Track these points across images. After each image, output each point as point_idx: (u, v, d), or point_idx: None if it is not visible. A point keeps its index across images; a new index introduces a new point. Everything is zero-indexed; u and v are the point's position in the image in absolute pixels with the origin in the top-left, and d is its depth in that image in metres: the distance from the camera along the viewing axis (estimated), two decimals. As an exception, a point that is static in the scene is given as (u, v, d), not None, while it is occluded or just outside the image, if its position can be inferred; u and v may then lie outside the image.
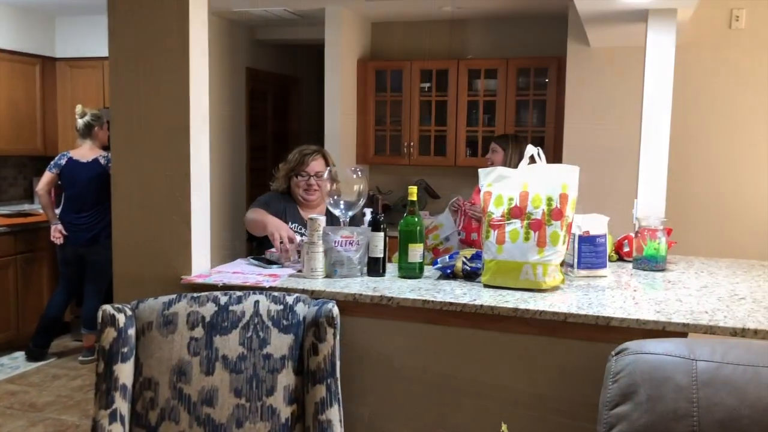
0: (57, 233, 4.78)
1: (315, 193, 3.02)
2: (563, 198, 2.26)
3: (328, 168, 2.91)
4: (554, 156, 4.79)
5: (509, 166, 3.44)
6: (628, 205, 3.42)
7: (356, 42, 5.38)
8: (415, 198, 2.48)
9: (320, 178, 2.99)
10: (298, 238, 2.70)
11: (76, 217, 4.77)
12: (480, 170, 2.45)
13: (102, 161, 4.75)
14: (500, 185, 2.36)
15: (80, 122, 4.81)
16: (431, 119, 5.29)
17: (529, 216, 2.27)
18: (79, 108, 4.86)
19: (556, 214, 2.25)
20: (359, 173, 2.59)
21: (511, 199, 2.31)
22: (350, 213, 2.56)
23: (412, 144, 5.30)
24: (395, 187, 5.54)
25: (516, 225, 2.28)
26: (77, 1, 5.13)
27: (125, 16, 2.46)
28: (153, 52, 2.43)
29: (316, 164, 3.02)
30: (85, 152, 4.80)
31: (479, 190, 3.61)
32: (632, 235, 2.88)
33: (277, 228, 2.70)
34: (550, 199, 2.26)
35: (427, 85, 5.28)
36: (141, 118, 2.47)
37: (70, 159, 4.78)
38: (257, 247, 3.01)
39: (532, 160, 2.40)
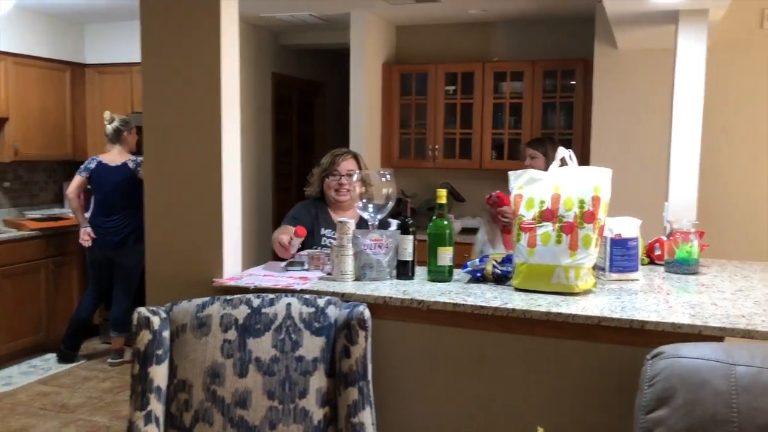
0: (86, 236, 4.85)
1: (346, 193, 3.02)
2: (595, 201, 2.25)
3: (359, 171, 2.92)
4: (582, 159, 4.74)
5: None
6: (657, 208, 3.38)
7: (381, 46, 5.39)
8: (444, 201, 2.48)
9: (351, 179, 3.00)
10: (285, 238, 2.68)
11: (104, 220, 4.84)
12: (510, 173, 2.44)
13: (131, 165, 4.81)
14: (531, 188, 2.35)
15: (109, 128, 4.88)
16: (456, 122, 5.28)
17: (561, 219, 2.26)
18: (107, 114, 4.93)
19: (588, 216, 2.24)
20: (388, 177, 2.59)
21: (542, 202, 2.30)
22: (379, 216, 2.57)
23: (436, 147, 5.30)
24: (420, 191, 5.54)
25: (548, 228, 2.27)
26: (106, 9, 5.21)
27: (157, 22, 2.49)
28: (184, 57, 2.46)
29: (346, 164, 3.03)
30: (114, 157, 4.87)
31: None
32: (663, 238, 2.85)
33: (275, 238, 2.73)
34: (582, 202, 2.25)
35: (452, 88, 5.27)
36: (172, 123, 2.51)
37: (100, 163, 4.85)
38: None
39: (563, 162, 2.38)
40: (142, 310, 2.02)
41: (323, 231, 2.99)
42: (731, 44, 4.22)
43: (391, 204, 2.58)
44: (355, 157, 3.09)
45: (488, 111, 5.15)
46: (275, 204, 6.01)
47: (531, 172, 2.39)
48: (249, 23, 5.47)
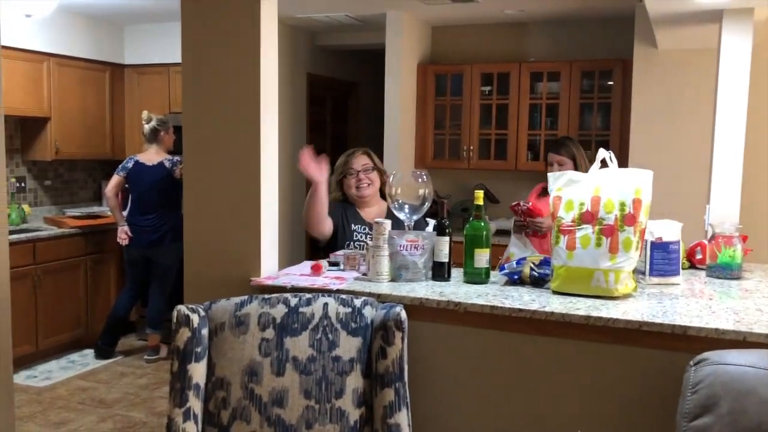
0: (123, 234, 4.93)
1: (367, 187, 3.04)
2: (636, 203, 2.21)
3: (368, 163, 3.00)
4: (619, 160, 4.67)
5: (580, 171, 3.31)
6: (697, 211, 3.32)
7: (416, 46, 5.38)
8: (481, 202, 2.46)
9: (368, 172, 3.03)
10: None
11: (141, 218, 4.92)
12: (549, 174, 2.41)
13: (167, 164, 4.88)
14: (570, 190, 2.32)
15: (147, 127, 4.96)
16: (491, 123, 5.24)
17: (601, 221, 2.22)
18: (145, 114, 5.01)
19: (629, 219, 2.20)
20: (424, 177, 2.58)
21: (582, 204, 2.27)
22: (415, 217, 2.56)
23: (471, 148, 5.27)
24: (454, 192, 5.51)
25: (587, 230, 2.23)
26: (145, 10, 5.29)
27: (198, 23, 2.52)
28: (224, 57, 2.49)
29: (359, 160, 3.08)
30: (151, 156, 4.94)
31: (537, 194, 3.54)
32: (705, 242, 2.79)
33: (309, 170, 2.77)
34: (623, 204, 2.21)
35: (488, 88, 5.24)
36: (212, 125, 2.53)
37: (137, 162, 4.93)
38: (324, 253, 3.04)
39: (603, 164, 2.35)
40: (182, 307, 2.04)
41: (353, 227, 3.01)
42: (776, 44, 4.12)
43: (427, 204, 2.57)
44: (367, 152, 3.12)
45: (524, 112, 5.11)
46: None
47: (570, 174, 2.36)
48: (285, 24, 5.50)
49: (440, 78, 5.38)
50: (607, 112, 4.91)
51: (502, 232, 5.04)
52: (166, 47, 5.73)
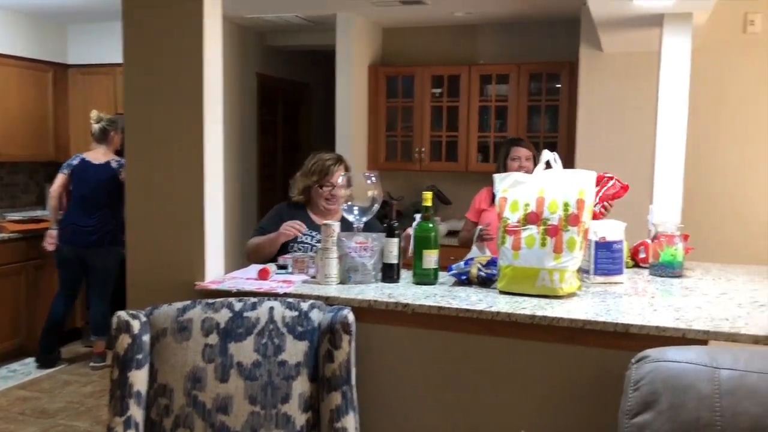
0: (50, 239, 4.77)
1: (337, 201, 3.00)
2: (580, 203, 2.24)
3: (344, 174, 2.91)
4: (567, 162, 4.75)
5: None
6: (642, 210, 3.39)
7: (367, 48, 5.38)
8: (430, 203, 2.46)
9: (343, 187, 2.98)
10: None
11: (82, 218, 4.76)
12: (495, 176, 2.43)
13: (114, 165, 4.76)
14: (516, 191, 2.34)
15: (96, 127, 4.83)
16: (442, 125, 5.27)
17: (546, 222, 2.25)
18: (94, 113, 4.88)
19: (572, 219, 2.23)
20: (373, 179, 2.58)
21: (527, 205, 2.29)
22: (364, 219, 2.55)
23: (423, 149, 5.29)
24: (406, 193, 5.52)
25: (532, 231, 2.26)
26: (89, 9, 5.15)
27: (139, 23, 2.47)
28: (167, 58, 2.44)
29: (340, 172, 3.01)
30: (99, 155, 4.81)
31: (489, 202, 3.58)
32: (648, 241, 2.85)
33: (285, 228, 2.81)
34: (566, 205, 2.24)
35: (439, 90, 5.27)
36: (154, 124, 2.48)
37: (83, 160, 4.81)
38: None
39: (548, 165, 2.38)
40: (122, 313, 1.98)
41: (300, 237, 2.93)
42: (715, 48, 4.25)
43: (376, 206, 2.57)
44: (344, 162, 3.08)
45: (474, 114, 5.15)
46: (260, 206, 5.97)
47: (516, 175, 2.39)
48: (234, 23, 5.43)
49: (391, 80, 5.38)
50: (555, 114, 4.98)
51: (454, 233, 5.07)
52: (112, 47, 5.57)
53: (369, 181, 2.57)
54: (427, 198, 2.46)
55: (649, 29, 3.48)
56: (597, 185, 2.98)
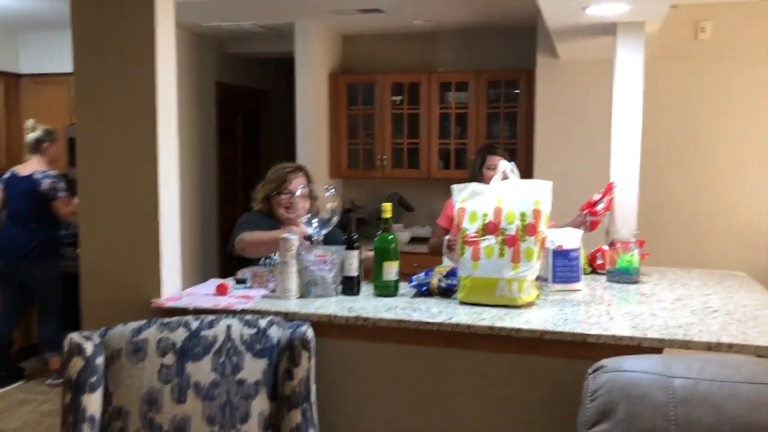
0: None
1: (298, 209, 2.97)
2: (537, 213, 2.26)
3: (306, 186, 2.89)
4: (526, 167, 4.81)
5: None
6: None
7: (327, 55, 5.36)
8: (389, 215, 2.46)
9: (303, 197, 2.95)
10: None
11: (12, 231, 4.65)
12: (453, 186, 2.45)
13: (36, 176, 4.63)
14: (474, 201, 2.35)
15: (30, 137, 4.71)
16: (404, 132, 5.28)
17: (504, 232, 2.27)
18: (30, 122, 4.76)
19: (530, 229, 2.25)
20: (332, 191, 2.57)
21: (485, 215, 2.31)
22: (324, 231, 2.54)
23: (385, 157, 5.29)
24: (370, 201, 5.52)
25: (490, 241, 2.27)
26: (41, 18, 5.04)
27: (89, 31, 2.42)
28: (118, 67, 2.39)
29: (298, 181, 2.98)
30: (28, 167, 4.70)
31: (452, 205, 3.59)
32: (605, 247, 2.89)
33: (291, 230, 2.62)
34: (523, 215, 2.26)
35: (399, 98, 5.28)
36: (106, 137, 2.43)
37: (12, 173, 4.71)
38: (237, 267, 2.96)
39: (505, 175, 2.39)
40: (74, 335, 1.93)
41: None
42: (668, 55, 4.34)
43: (336, 218, 2.55)
44: (307, 174, 3.05)
45: (435, 121, 5.17)
46: (220, 216, 5.90)
47: (473, 186, 2.40)
48: (192, 32, 5.36)
49: (352, 88, 5.37)
50: (513, 121, 5.03)
51: (417, 240, 5.09)
52: (65, 56, 5.44)
53: (328, 194, 2.56)
54: (387, 209, 2.46)
55: (604, 37, 3.53)
56: (607, 194, 3.08)
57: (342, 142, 5.39)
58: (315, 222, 2.52)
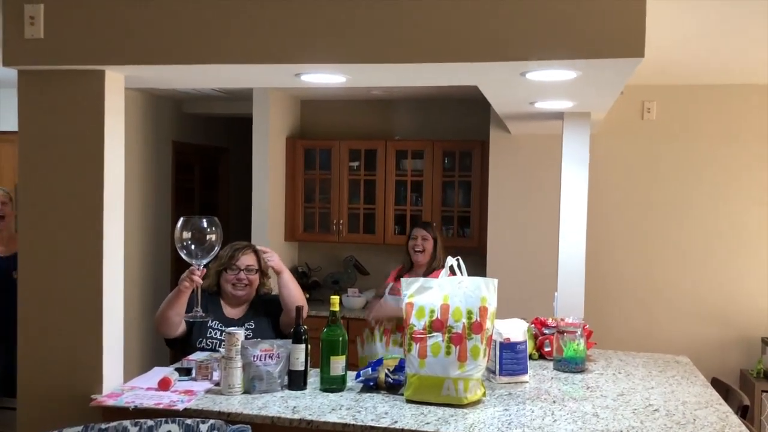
0: None
1: (245, 288, 2.94)
2: (483, 311, 2.29)
3: (254, 264, 2.92)
4: (479, 237, 4.88)
5: (437, 255, 3.55)
6: (553, 284, 3.47)
7: (285, 119, 5.39)
8: (337, 308, 2.45)
9: (250, 273, 2.93)
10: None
11: None
12: (402, 280, 2.45)
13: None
14: (422, 297, 2.37)
15: None
16: (360, 197, 5.31)
17: (450, 329, 2.28)
18: None
19: (476, 327, 2.27)
20: (214, 225, 2.32)
21: (432, 311, 2.32)
22: (204, 261, 2.34)
23: (341, 221, 5.30)
24: (325, 264, 5.51)
25: (438, 338, 2.28)
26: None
27: (36, 93, 2.43)
28: (64, 128, 2.39)
29: (246, 258, 2.96)
30: None
31: (394, 274, 3.73)
32: (552, 334, 2.92)
33: (182, 281, 2.59)
34: (470, 313, 2.28)
35: (356, 163, 5.32)
36: (49, 204, 2.41)
37: None
38: (180, 347, 2.92)
39: (452, 271, 2.42)
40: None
41: (210, 323, 2.88)
42: (615, 134, 4.49)
43: (216, 249, 2.33)
44: (255, 251, 3.04)
45: (391, 187, 5.21)
46: (174, 278, 5.81)
47: (422, 281, 2.42)
48: (148, 92, 5.35)
49: (309, 152, 5.40)
50: (468, 190, 5.11)
51: (371, 306, 5.07)
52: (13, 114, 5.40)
53: (208, 228, 2.32)
54: (334, 303, 2.45)
55: (553, 120, 3.64)
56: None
57: (298, 205, 5.40)
58: (197, 252, 2.30)
